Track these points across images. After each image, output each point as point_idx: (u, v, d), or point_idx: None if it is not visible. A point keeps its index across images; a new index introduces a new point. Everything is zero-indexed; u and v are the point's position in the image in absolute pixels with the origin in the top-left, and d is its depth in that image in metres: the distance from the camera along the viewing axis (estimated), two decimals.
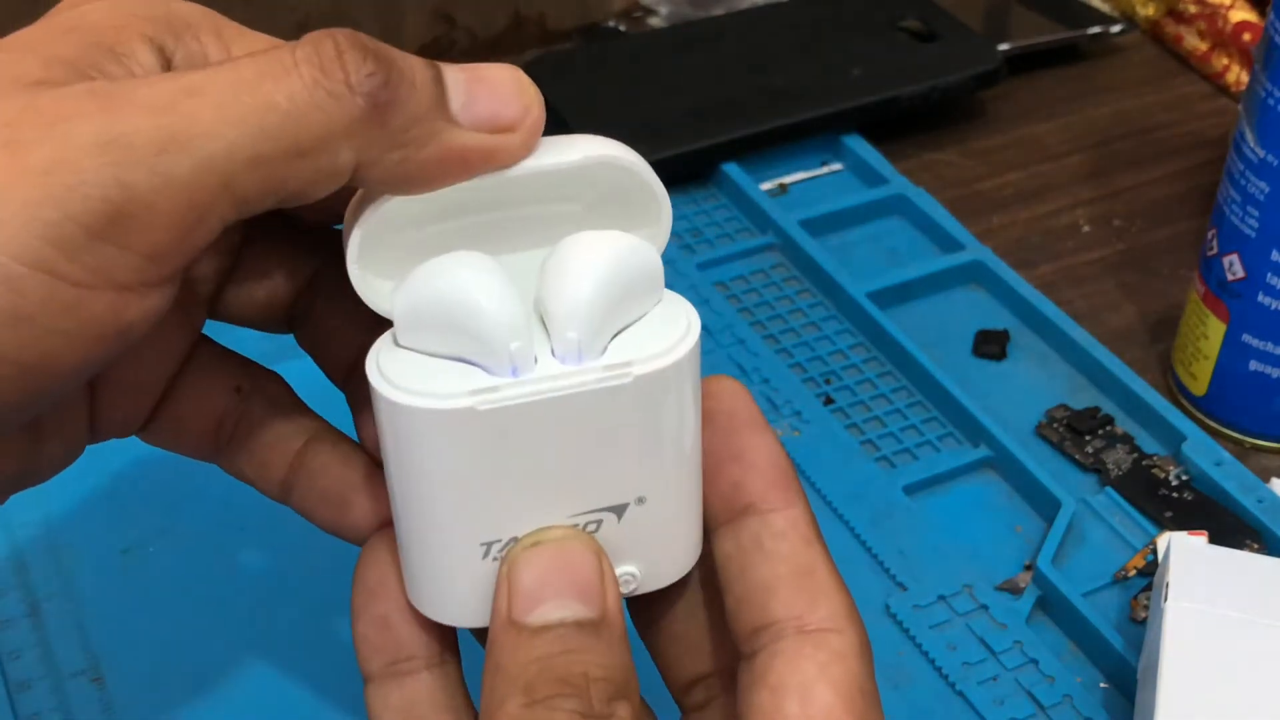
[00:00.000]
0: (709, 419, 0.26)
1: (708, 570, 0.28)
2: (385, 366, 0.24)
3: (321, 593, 0.42)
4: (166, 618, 0.41)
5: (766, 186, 0.58)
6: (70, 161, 0.21)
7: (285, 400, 0.30)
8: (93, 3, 0.25)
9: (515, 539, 0.25)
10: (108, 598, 0.41)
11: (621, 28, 0.68)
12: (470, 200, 0.25)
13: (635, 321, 0.25)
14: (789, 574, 0.25)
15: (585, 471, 0.25)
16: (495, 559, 0.25)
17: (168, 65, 0.25)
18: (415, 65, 0.24)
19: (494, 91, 0.24)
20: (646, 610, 0.29)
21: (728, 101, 0.59)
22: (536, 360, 0.24)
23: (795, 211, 0.55)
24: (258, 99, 0.22)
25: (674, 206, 0.56)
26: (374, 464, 0.30)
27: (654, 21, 0.68)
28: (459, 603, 0.26)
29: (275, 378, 0.31)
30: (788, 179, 0.59)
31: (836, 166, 0.60)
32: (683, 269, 0.53)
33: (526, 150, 0.25)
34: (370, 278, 0.25)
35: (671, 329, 0.25)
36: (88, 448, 0.29)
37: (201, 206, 0.22)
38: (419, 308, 0.24)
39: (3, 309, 0.21)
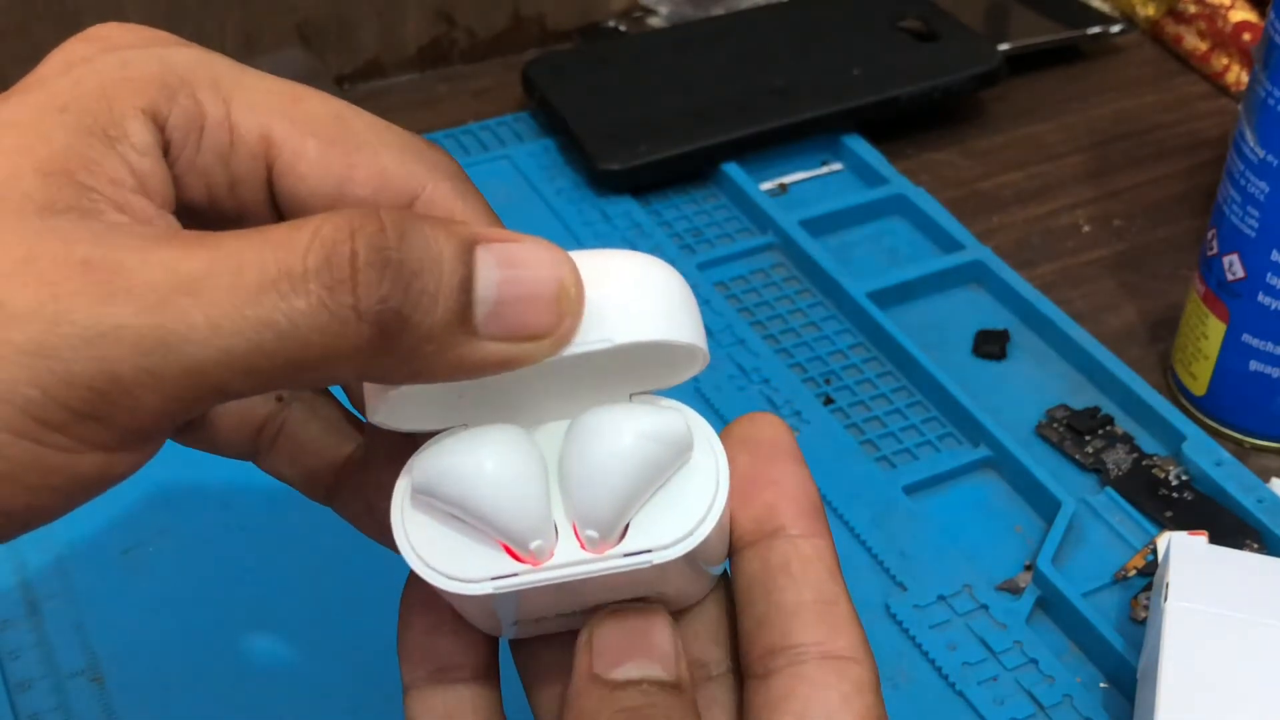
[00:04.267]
0: (749, 445, 0.26)
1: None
2: (412, 532, 0.25)
3: (322, 592, 0.42)
4: (166, 618, 0.41)
5: (766, 186, 0.58)
6: (57, 349, 0.21)
7: (328, 408, 0.30)
8: (86, 64, 0.24)
9: (544, 618, 0.26)
10: (108, 598, 0.41)
11: (621, 28, 0.68)
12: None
13: (662, 486, 0.25)
14: (814, 601, 0.25)
15: (610, 595, 0.26)
16: (520, 625, 0.27)
17: (162, 130, 0.24)
18: (444, 271, 0.22)
19: (529, 298, 0.22)
20: None
21: (728, 101, 0.59)
22: (557, 531, 0.24)
23: (795, 211, 0.55)
24: (257, 313, 0.21)
25: (674, 206, 0.57)
26: None
27: (654, 21, 0.68)
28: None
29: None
30: (788, 179, 0.59)
31: (836, 166, 0.60)
32: (683, 269, 0.53)
33: (554, 354, 0.23)
34: (394, 422, 0.25)
35: (698, 498, 0.25)
36: None
37: (188, 400, 0.21)
38: (443, 490, 0.24)
39: None
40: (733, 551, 0.27)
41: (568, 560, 0.24)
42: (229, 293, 0.21)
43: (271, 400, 0.29)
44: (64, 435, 0.21)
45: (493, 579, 0.24)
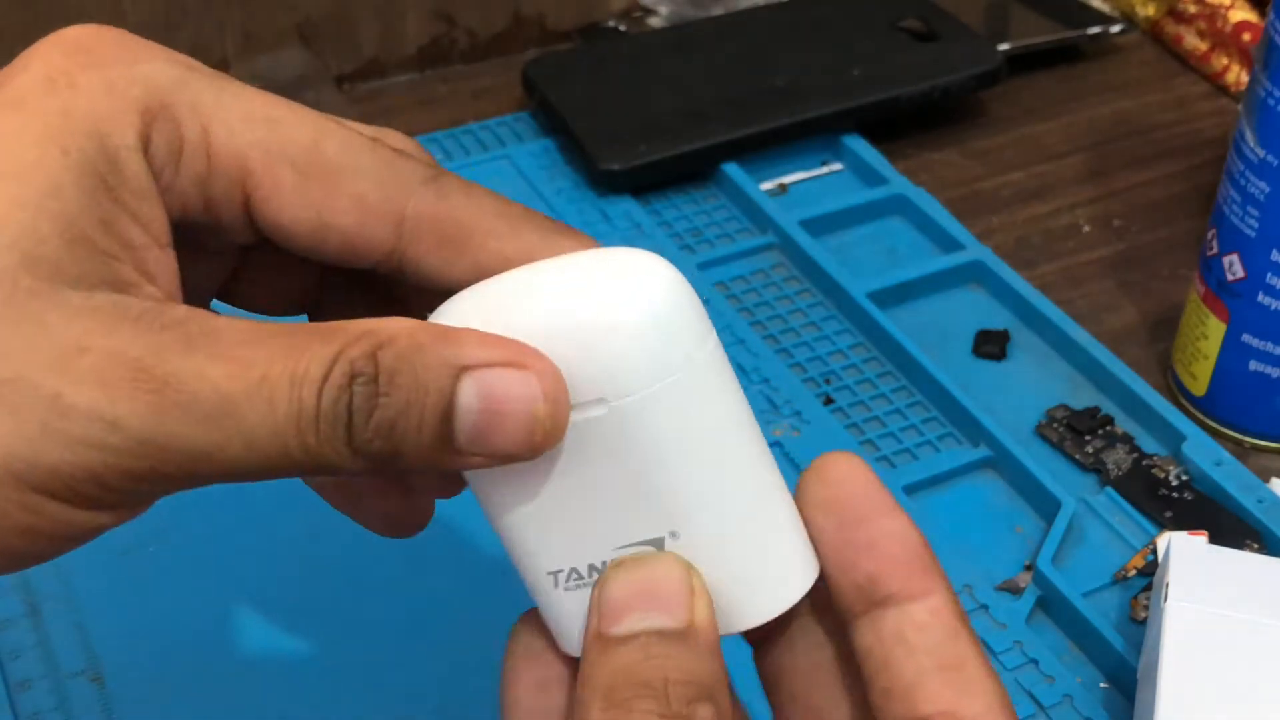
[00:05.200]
0: (830, 507, 0.25)
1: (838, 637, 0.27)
2: None
3: (322, 592, 0.42)
4: (166, 618, 0.41)
5: (766, 186, 0.58)
6: (113, 446, 0.23)
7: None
8: (71, 88, 0.24)
9: (576, 570, 0.26)
10: (108, 598, 0.41)
11: (621, 28, 0.68)
12: None
13: None
14: (935, 668, 0.24)
15: (611, 504, 0.25)
16: (566, 589, 0.26)
17: (147, 157, 0.25)
18: (428, 405, 0.24)
19: (504, 428, 0.24)
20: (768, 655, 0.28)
21: (728, 101, 0.59)
22: None
23: (795, 211, 0.55)
24: (281, 443, 0.23)
25: (674, 206, 0.57)
26: None
27: (654, 21, 0.68)
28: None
29: None
30: (788, 179, 0.59)
31: (836, 166, 0.60)
32: (683, 269, 0.53)
33: (533, 458, 0.25)
34: None
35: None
36: None
37: (182, 485, 0.24)
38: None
39: (19, 524, 0.23)
40: (844, 622, 0.26)
41: None
42: (262, 425, 0.23)
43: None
44: (90, 500, 0.23)
45: None
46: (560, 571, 0.26)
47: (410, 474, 0.27)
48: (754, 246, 0.55)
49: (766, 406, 0.48)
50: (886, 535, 0.25)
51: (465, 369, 0.24)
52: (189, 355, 0.23)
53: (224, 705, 0.39)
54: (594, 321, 0.24)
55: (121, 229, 0.24)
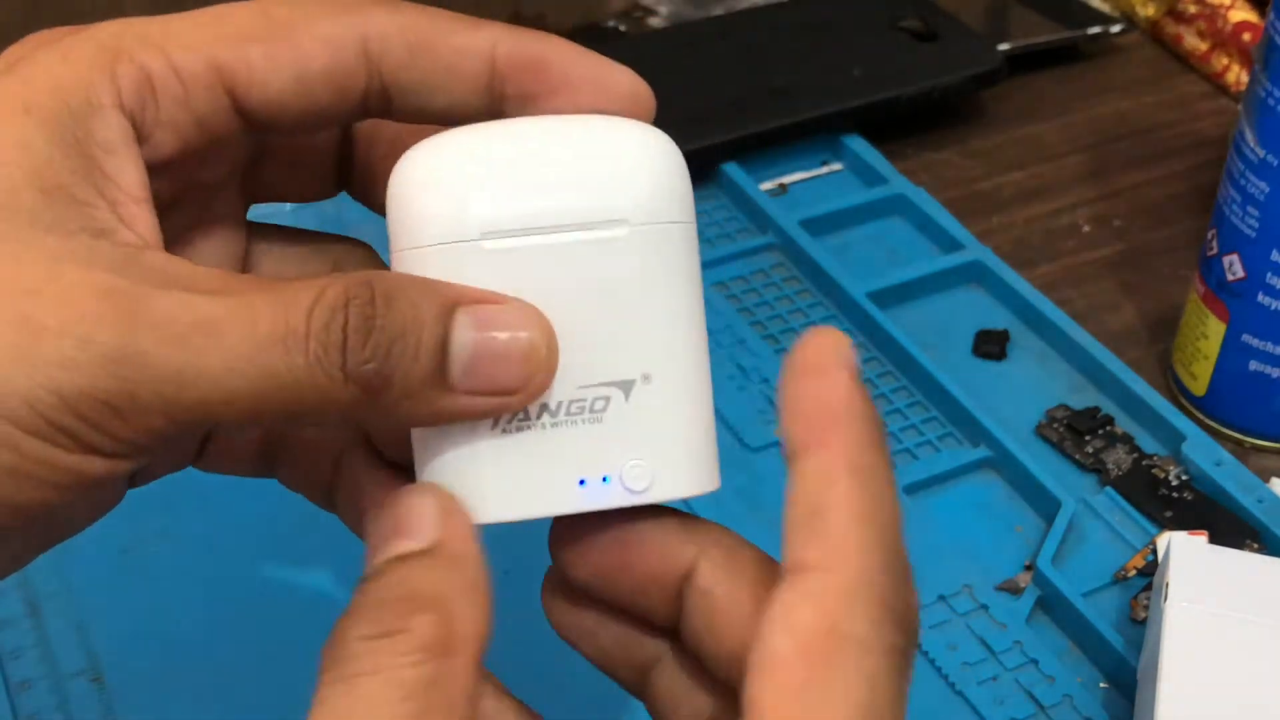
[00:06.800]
0: (785, 372, 0.25)
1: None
2: None
3: (321, 591, 0.42)
4: (166, 618, 0.41)
5: (766, 186, 0.58)
6: (81, 365, 0.22)
7: None
8: (27, 62, 0.25)
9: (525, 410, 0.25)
10: (108, 598, 0.41)
11: (621, 28, 0.68)
12: None
13: None
14: (799, 517, 0.23)
15: (586, 335, 0.25)
16: (505, 430, 0.25)
17: (120, 109, 0.25)
18: (424, 333, 0.24)
19: (500, 359, 0.24)
20: None
21: (728, 101, 0.59)
22: None
23: (795, 211, 0.55)
24: (265, 362, 0.23)
25: None
26: (397, 472, 0.29)
27: (654, 21, 0.68)
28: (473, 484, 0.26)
29: None
30: (788, 179, 0.59)
31: (836, 166, 0.60)
32: None
33: (525, 405, 0.25)
34: None
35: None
36: None
37: (187, 425, 0.23)
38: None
39: (2, 465, 0.22)
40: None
41: None
42: (243, 341, 0.23)
43: None
44: (70, 439, 0.23)
45: None
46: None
47: (383, 425, 0.26)
48: (754, 246, 0.55)
49: (766, 406, 0.48)
50: (804, 394, 0.24)
51: (460, 303, 0.24)
52: (166, 287, 0.23)
53: (224, 705, 0.39)
54: (628, 150, 0.26)
55: (96, 181, 0.24)
